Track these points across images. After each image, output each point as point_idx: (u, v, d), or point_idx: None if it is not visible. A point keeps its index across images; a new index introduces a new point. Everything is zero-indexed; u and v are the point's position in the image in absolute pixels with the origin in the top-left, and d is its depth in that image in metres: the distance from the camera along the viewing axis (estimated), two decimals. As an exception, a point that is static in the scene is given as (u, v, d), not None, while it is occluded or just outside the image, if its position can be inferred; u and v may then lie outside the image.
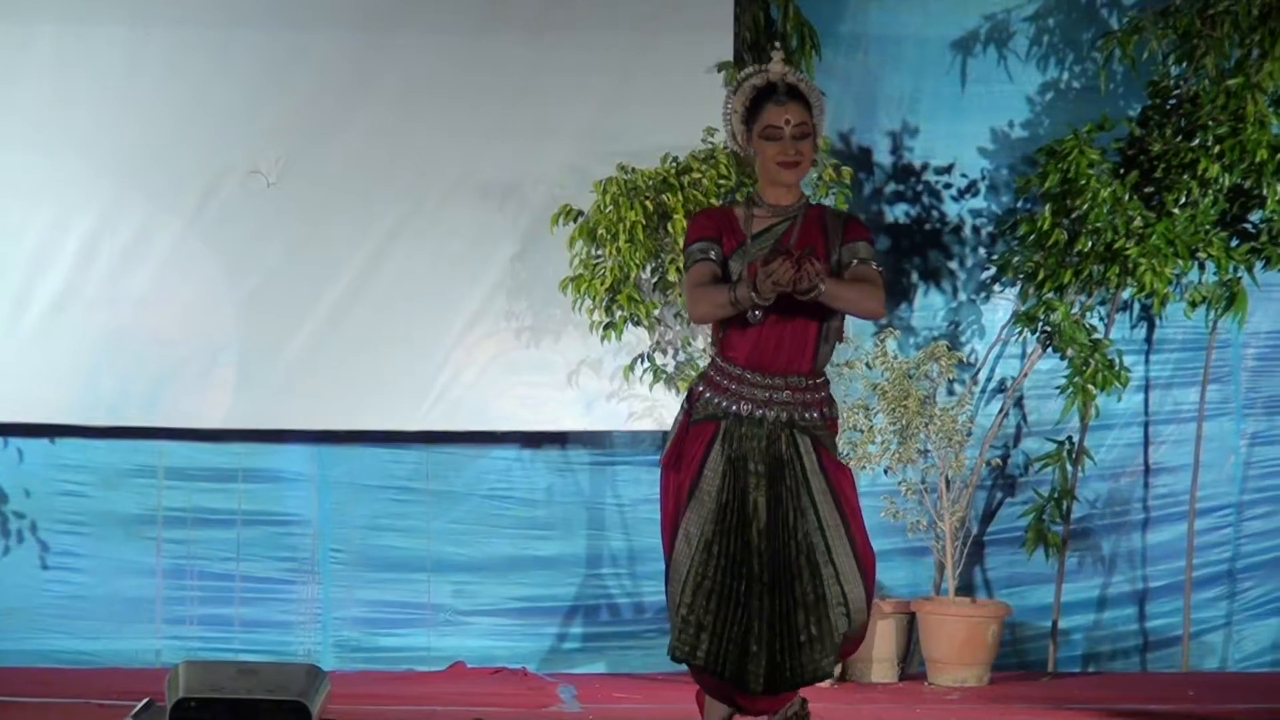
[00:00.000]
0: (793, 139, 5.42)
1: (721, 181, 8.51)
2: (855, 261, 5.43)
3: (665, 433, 8.66)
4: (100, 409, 8.79)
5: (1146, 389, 9.43)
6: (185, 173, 8.84)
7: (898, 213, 9.51)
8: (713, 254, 5.43)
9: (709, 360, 5.60)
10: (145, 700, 6.23)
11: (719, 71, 8.83)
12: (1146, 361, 9.42)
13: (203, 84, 8.86)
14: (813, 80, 5.66)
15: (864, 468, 8.65)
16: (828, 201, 8.69)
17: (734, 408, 5.39)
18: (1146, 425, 9.47)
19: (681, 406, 5.56)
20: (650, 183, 8.49)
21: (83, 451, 8.97)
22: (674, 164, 8.56)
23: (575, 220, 8.61)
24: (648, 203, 8.43)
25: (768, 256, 5.29)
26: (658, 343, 8.79)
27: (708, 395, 5.44)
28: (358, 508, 9.10)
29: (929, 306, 9.47)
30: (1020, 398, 9.35)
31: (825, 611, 5.35)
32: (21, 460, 8.96)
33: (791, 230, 5.45)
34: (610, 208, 8.47)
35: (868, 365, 8.67)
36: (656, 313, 8.68)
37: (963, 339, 9.41)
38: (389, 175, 8.90)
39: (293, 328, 8.86)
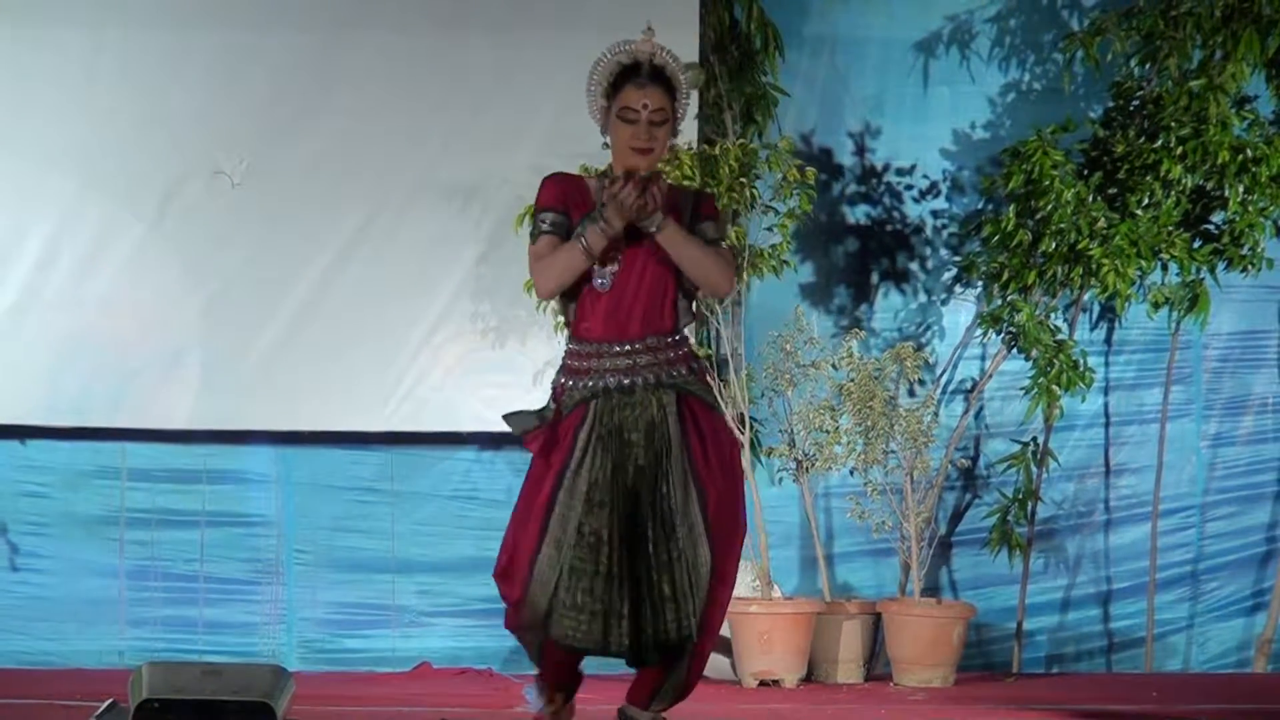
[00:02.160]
0: (649, 124, 5.27)
1: (686, 182, 8.50)
2: (704, 241, 5.35)
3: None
4: (63, 410, 8.76)
5: (1106, 390, 9.47)
6: (146, 175, 8.82)
7: (859, 214, 9.52)
8: (559, 226, 5.25)
9: (564, 351, 5.36)
10: (109, 701, 6.20)
11: (684, 72, 8.79)
12: (1107, 363, 9.45)
13: (161, 86, 8.83)
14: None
15: (830, 469, 8.66)
16: (792, 203, 8.70)
17: (601, 384, 5.23)
18: (1107, 426, 9.50)
19: (547, 405, 5.31)
20: (614, 183, 8.48)
21: (46, 453, 8.94)
22: (638, 165, 8.54)
23: (539, 221, 8.58)
24: (612, 203, 8.42)
25: (611, 180, 5.18)
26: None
27: (570, 383, 5.27)
28: (322, 509, 9.09)
29: (889, 308, 9.49)
30: (984, 399, 9.37)
31: (682, 572, 5.17)
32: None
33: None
34: (574, 208, 8.45)
35: (834, 366, 8.68)
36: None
37: (924, 340, 9.43)
38: (351, 177, 8.88)
39: (256, 329, 8.84)
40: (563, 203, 5.31)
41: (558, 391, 5.32)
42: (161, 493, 9.00)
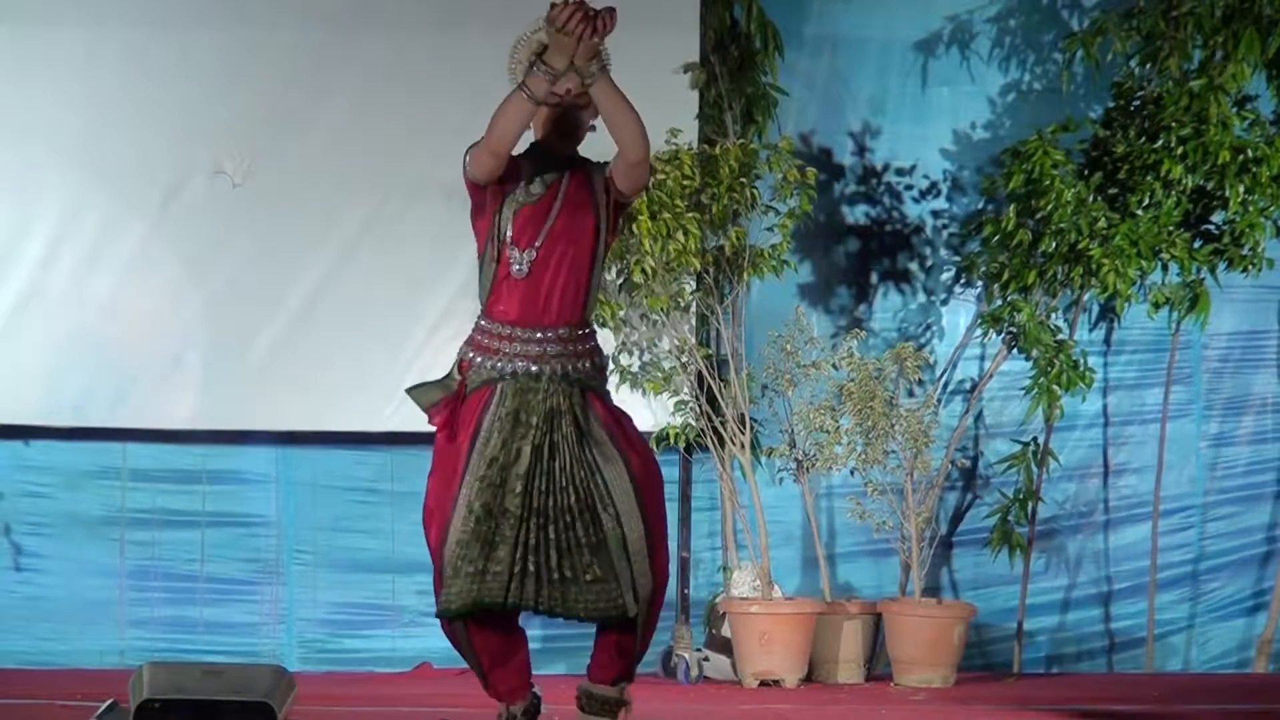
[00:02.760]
0: (570, 107, 5.30)
1: (686, 182, 8.50)
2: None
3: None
4: (64, 410, 8.75)
5: (1106, 390, 9.47)
6: (147, 173, 8.81)
7: (859, 214, 9.52)
8: None
9: (474, 325, 5.39)
10: (109, 701, 6.19)
11: (685, 73, 8.83)
12: (1106, 363, 9.45)
13: (163, 83, 8.83)
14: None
15: (830, 469, 8.66)
16: (792, 203, 8.71)
17: (509, 367, 5.25)
18: (1107, 426, 9.50)
19: (451, 374, 5.37)
20: (615, 183, 8.47)
21: (47, 453, 8.95)
22: (639, 165, 8.53)
23: (541, 220, 8.58)
24: (613, 203, 8.40)
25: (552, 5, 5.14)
26: (623, 344, 8.78)
27: (479, 360, 5.30)
28: (322, 509, 9.09)
29: (889, 308, 9.49)
30: (984, 399, 9.36)
31: (608, 555, 5.19)
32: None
33: (560, 180, 5.33)
34: (575, 208, 8.44)
35: (834, 366, 8.67)
36: (622, 314, 8.68)
37: (924, 340, 9.43)
38: (353, 174, 8.88)
39: (257, 328, 8.83)
40: None
41: (463, 365, 5.34)
42: (162, 493, 9.00)
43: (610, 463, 5.26)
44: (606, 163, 5.41)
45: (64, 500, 8.95)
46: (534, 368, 5.27)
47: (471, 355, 5.35)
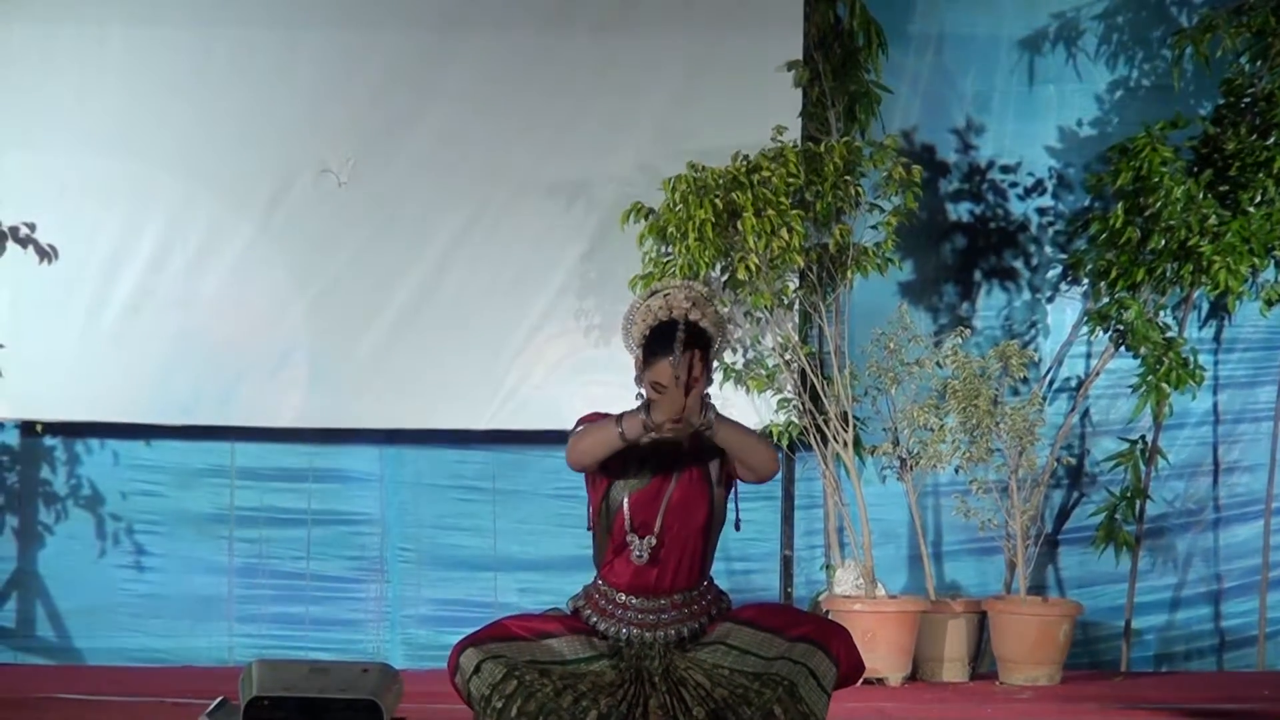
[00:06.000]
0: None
1: (791, 180, 8.48)
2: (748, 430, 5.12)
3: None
4: (173, 409, 8.83)
5: (1216, 388, 9.39)
6: (254, 174, 8.88)
7: (962, 211, 9.48)
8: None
9: (592, 580, 5.21)
10: (219, 698, 6.23)
11: (789, 70, 8.81)
12: (1216, 360, 9.38)
13: (270, 86, 8.90)
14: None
15: (934, 467, 8.61)
16: (896, 200, 8.67)
17: (623, 632, 5.11)
18: (1217, 424, 9.42)
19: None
20: (720, 181, 8.47)
21: (158, 451, 9.03)
22: (744, 162, 8.53)
23: (645, 218, 8.60)
24: (717, 201, 8.41)
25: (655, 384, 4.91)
26: (726, 341, 8.75)
27: (594, 620, 5.14)
28: (425, 507, 9.14)
29: (993, 305, 9.45)
30: (1090, 397, 9.31)
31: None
32: (117, 462, 9.06)
33: (673, 461, 5.08)
34: (680, 206, 8.45)
35: (938, 364, 8.63)
36: (725, 311, 8.64)
37: (1028, 338, 9.38)
38: (457, 174, 8.91)
39: (362, 327, 8.88)
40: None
41: (578, 615, 5.18)
42: (269, 491, 9.07)
43: (760, 634, 5.09)
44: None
45: (174, 498, 9.04)
46: (648, 635, 5.12)
47: (588, 613, 5.23)
